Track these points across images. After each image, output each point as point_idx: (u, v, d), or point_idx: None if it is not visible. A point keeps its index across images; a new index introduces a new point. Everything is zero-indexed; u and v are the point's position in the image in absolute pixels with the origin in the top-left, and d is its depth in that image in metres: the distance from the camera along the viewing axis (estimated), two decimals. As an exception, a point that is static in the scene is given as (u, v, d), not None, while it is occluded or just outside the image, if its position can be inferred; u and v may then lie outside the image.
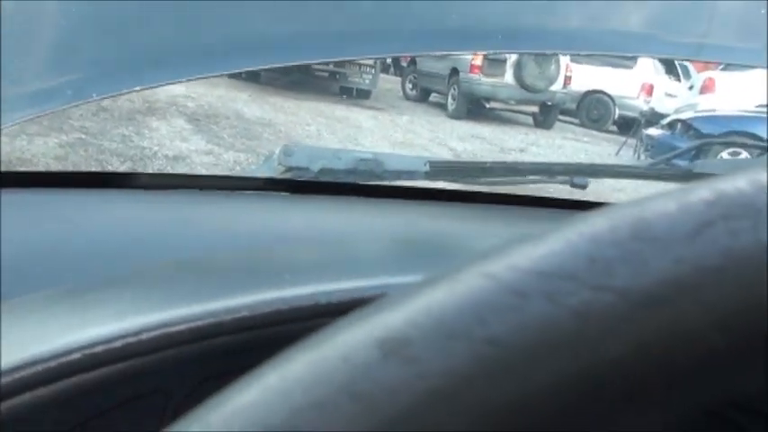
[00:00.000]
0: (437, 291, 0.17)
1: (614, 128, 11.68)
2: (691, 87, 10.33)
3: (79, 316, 0.44)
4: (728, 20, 0.98)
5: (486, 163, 0.98)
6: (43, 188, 0.77)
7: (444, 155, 7.20)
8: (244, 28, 0.85)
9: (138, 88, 0.81)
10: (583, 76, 11.02)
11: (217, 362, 0.41)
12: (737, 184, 0.17)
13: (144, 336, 0.38)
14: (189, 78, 0.86)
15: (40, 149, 4.83)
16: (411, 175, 0.94)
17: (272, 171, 0.91)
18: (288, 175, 0.90)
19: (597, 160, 8.26)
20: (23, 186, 0.74)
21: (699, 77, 9.98)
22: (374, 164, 0.93)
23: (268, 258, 0.60)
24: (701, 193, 0.17)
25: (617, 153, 8.67)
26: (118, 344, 0.38)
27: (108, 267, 0.59)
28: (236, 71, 0.85)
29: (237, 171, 5.11)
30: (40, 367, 0.36)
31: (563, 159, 8.02)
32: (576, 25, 0.99)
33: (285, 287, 0.43)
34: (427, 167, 0.93)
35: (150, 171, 5.02)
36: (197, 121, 6.86)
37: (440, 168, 0.96)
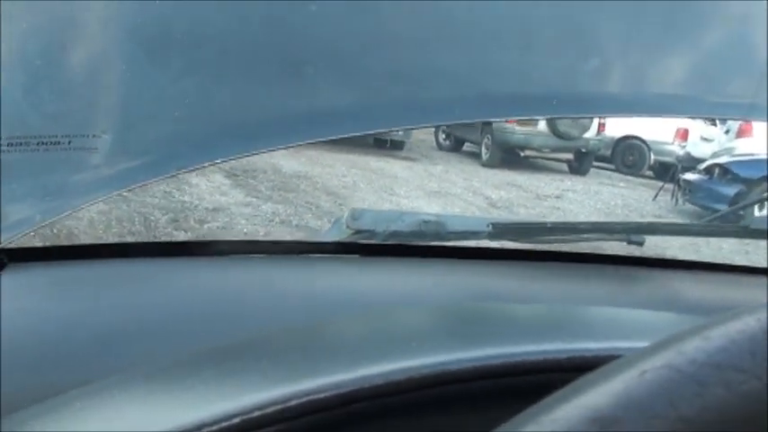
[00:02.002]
0: (630, 377, 0.21)
1: (650, 173, 11.61)
2: (727, 131, 10.27)
3: (228, 383, 0.48)
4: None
5: (546, 223, 1.01)
6: (130, 258, 0.82)
7: (479, 203, 7.23)
8: (309, 101, 0.89)
9: (208, 162, 0.85)
10: (617, 122, 11.04)
11: (358, 426, 0.44)
12: None
13: (293, 402, 0.42)
14: (260, 151, 0.90)
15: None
16: (474, 235, 0.98)
17: (341, 234, 0.95)
18: (356, 238, 0.94)
19: (634, 205, 8.22)
20: (117, 257, 0.79)
21: (735, 121, 9.92)
22: (437, 225, 0.96)
23: (375, 325, 0.63)
24: None
25: (654, 198, 8.62)
26: (270, 410, 0.41)
27: (208, 335, 0.63)
28: (302, 143, 0.89)
29: (307, 236, 5.18)
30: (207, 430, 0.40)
31: (599, 205, 8.00)
32: (626, 88, 1.02)
33: (412, 356, 0.47)
34: (489, 228, 0.97)
35: (192, 222, 5.15)
36: (235, 176, 6.99)
37: (501, 228, 0.99)
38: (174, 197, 5.82)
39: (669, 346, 0.22)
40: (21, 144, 0.61)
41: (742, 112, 1.03)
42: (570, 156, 10.62)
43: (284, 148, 0.87)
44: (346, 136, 0.93)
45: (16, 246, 0.70)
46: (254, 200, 6.15)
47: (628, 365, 0.22)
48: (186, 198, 5.87)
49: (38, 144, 0.63)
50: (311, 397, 0.43)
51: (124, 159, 0.76)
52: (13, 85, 0.64)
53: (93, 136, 0.66)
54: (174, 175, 0.82)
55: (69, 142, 0.65)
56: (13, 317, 0.64)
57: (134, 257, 0.81)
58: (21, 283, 0.69)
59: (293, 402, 0.42)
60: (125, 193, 0.80)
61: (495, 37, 0.92)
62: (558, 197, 8.32)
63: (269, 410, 0.42)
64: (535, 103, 0.98)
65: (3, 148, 0.60)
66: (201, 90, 0.83)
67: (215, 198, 6.09)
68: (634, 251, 1.07)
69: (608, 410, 0.21)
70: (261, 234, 5.20)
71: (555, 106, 0.98)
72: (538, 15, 0.93)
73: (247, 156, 0.88)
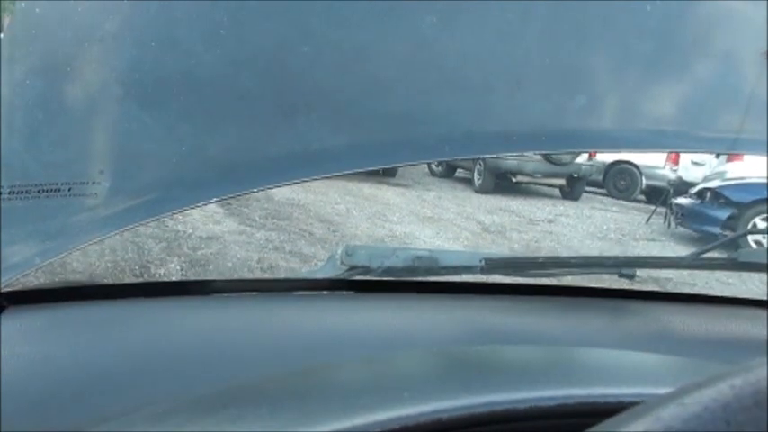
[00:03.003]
0: (673, 415, 0.22)
1: (642, 197, 11.67)
2: (718, 155, 10.34)
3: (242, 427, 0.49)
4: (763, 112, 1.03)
5: (538, 257, 1.02)
6: (127, 299, 0.82)
7: (473, 228, 7.25)
8: (302, 142, 0.91)
9: (203, 203, 0.86)
10: (608, 147, 11.09)
11: None
12: None
13: None
14: (251, 191, 0.92)
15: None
16: (467, 270, 0.99)
17: (336, 270, 0.96)
18: (350, 275, 0.95)
19: (627, 229, 8.25)
20: (114, 297, 0.80)
21: (724, 146, 9.97)
22: (431, 261, 0.98)
23: (370, 370, 0.64)
24: None
25: (647, 222, 8.66)
26: None
27: (205, 376, 0.63)
28: (297, 182, 0.90)
29: (301, 271, 5.21)
30: None
31: (592, 229, 8.02)
32: (613, 124, 1.04)
33: (407, 403, 0.48)
34: (482, 263, 0.98)
35: (185, 249, 5.15)
36: (228, 205, 7.00)
37: (494, 263, 1.01)
38: (167, 226, 5.82)
39: (647, 414, 0.23)
40: (22, 192, 0.63)
41: (726, 146, 1.05)
42: (562, 181, 10.67)
43: (275, 187, 0.88)
44: (338, 174, 0.94)
45: (14, 289, 0.71)
46: (248, 228, 6.16)
47: (667, 404, 0.23)
48: (179, 227, 5.87)
49: (38, 192, 0.64)
50: None
51: (120, 201, 0.77)
52: (13, 134, 0.65)
53: (93, 183, 0.67)
54: (170, 216, 0.84)
55: (69, 189, 0.66)
56: (13, 360, 0.65)
57: (131, 297, 0.82)
58: (20, 326, 0.70)
59: None
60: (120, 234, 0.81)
61: (484, 78, 0.94)
62: (550, 221, 8.35)
63: None
64: (524, 140, 0.99)
65: (4, 196, 0.61)
66: (196, 133, 0.84)
67: (208, 227, 6.10)
68: (626, 284, 1.09)
69: None
70: (254, 260, 5.19)
71: (544, 142, 1.00)
72: (526, 56, 0.95)
73: (240, 195, 0.89)
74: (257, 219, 6.58)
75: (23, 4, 0.67)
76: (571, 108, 1.00)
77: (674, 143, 1.08)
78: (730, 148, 1.01)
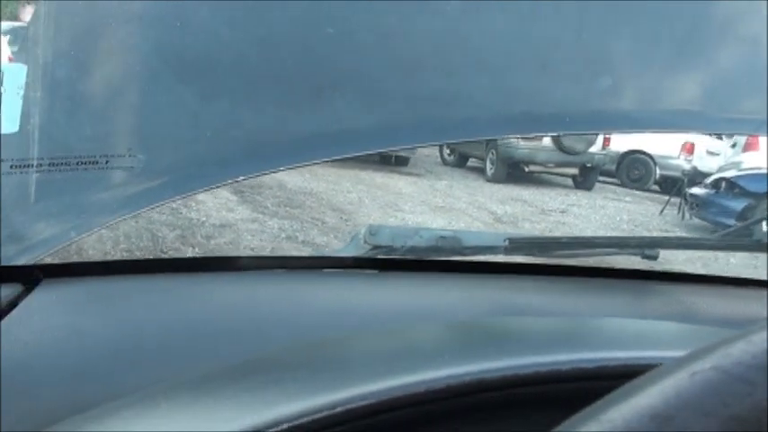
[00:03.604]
0: (680, 378, 0.23)
1: (656, 187, 11.60)
2: (734, 145, 10.27)
3: (247, 399, 0.50)
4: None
5: (562, 238, 1.03)
6: (156, 273, 0.84)
7: (484, 218, 7.24)
8: (327, 121, 0.92)
9: (231, 180, 0.87)
10: (622, 137, 11.03)
11: None
12: None
13: (317, 415, 0.44)
14: (278, 170, 0.93)
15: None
16: (490, 250, 1.00)
17: (359, 250, 0.97)
18: (374, 254, 0.96)
19: (640, 220, 8.22)
20: (144, 272, 0.81)
21: (742, 135, 9.91)
22: (454, 241, 0.98)
23: (394, 340, 0.65)
24: None
25: (661, 212, 8.62)
26: (303, 420, 0.43)
27: (229, 349, 0.64)
28: (320, 161, 0.91)
29: (327, 251, 5.24)
30: None
31: (605, 220, 8.00)
32: (636, 105, 1.05)
33: (433, 368, 0.49)
34: (506, 243, 0.99)
35: (199, 237, 5.18)
36: (241, 192, 7.02)
37: (518, 243, 1.01)
38: (181, 213, 5.85)
39: (715, 350, 0.24)
40: (62, 164, 0.64)
41: (752, 127, 1.05)
42: (575, 170, 10.62)
43: (302, 167, 0.89)
44: (360, 154, 0.95)
45: (50, 262, 0.72)
46: (261, 216, 6.18)
47: (677, 368, 0.24)
48: (193, 215, 5.90)
49: (77, 164, 0.65)
50: (332, 411, 0.45)
51: (151, 178, 0.78)
52: (47, 109, 0.66)
53: (129, 156, 0.69)
54: (196, 193, 0.85)
55: (107, 162, 0.67)
56: (47, 331, 0.66)
57: (161, 273, 0.83)
58: (54, 299, 0.71)
59: (317, 416, 0.44)
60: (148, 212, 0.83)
61: (509, 59, 0.95)
62: (563, 212, 8.33)
63: (293, 424, 0.44)
64: (549, 121, 1.00)
65: (44, 167, 0.62)
66: (223, 113, 0.85)
67: (222, 214, 6.12)
68: (646, 265, 1.09)
69: (662, 409, 0.23)
70: (267, 250, 5.22)
71: (568, 123, 1.00)
72: (550, 37, 0.95)
73: (266, 174, 0.90)
74: (270, 206, 6.60)
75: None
76: (595, 89, 1.01)
77: (697, 124, 1.09)
78: (755, 130, 1.01)
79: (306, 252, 5.12)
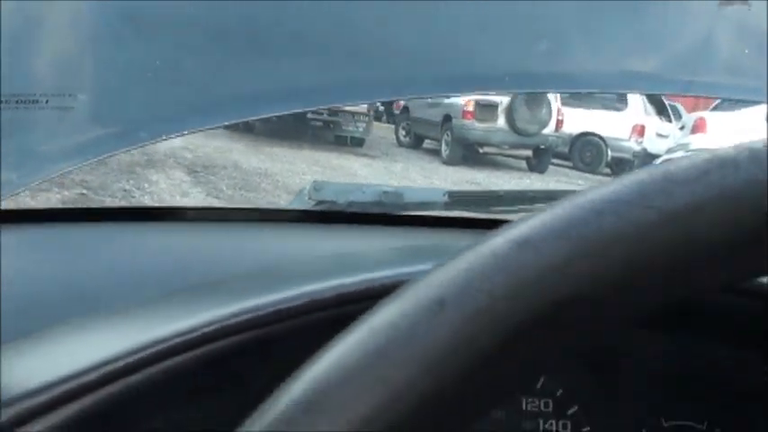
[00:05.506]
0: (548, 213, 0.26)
1: (608, 170, 11.82)
2: (682, 128, 10.48)
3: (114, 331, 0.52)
4: (720, 55, 1.06)
5: (499, 191, 1.06)
6: (100, 222, 0.84)
7: (440, 200, 7.30)
8: (240, 80, 0.93)
9: (176, 134, 0.88)
10: (574, 119, 11.21)
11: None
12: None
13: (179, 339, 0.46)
14: (221, 125, 0.94)
15: (42, 205, 4.89)
16: (431, 205, 1.02)
17: (303, 205, 0.99)
18: (318, 208, 0.98)
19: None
20: (89, 221, 0.81)
21: (690, 118, 10.12)
22: (396, 196, 1.01)
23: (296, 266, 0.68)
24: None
25: (611, 194, 8.77)
26: (149, 351, 0.45)
27: (150, 291, 0.66)
28: (234, 122, 0.92)
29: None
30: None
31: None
32: (564, 65, 1.07)
33: (308, 284, 0.52)
34: (446, 198, 1.01)
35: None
36: (195, 172, 6.95)
37: (457, 198, 1.04)
38: (134, 197, 5.77)
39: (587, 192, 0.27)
40: (2, 102, 0.64)
41: (680, 88, 1.08)
42: (529, 153, 10.76)
43: (245, 120, 0.90)
44: (303, 110, 0.97)
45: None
46: (216, 201, 6.12)
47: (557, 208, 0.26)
48: (146, 199, 5.81)
49: (17, 102, 0.65)
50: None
51: (96, 128, 0.79)
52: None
53: (70, 95, 0.69)
54: (143, 145, 0.85)
55: (47, 101, 0.67)
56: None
57: (104, 221, 0.84)
58: (3, 244, 0.71)
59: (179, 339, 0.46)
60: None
61: (448, 17, 0.97)
62: (517, 194, 8.42)
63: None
64: (487, 80, 1.02)
65: None
66: (168, 64, 0.86)
67: (176, 199, 6.05)
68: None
69: (524, 235, 0.26)
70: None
71: (507, 82, 1.03)
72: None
73: (211, 128, 0.91)
74: (225, 189, 6.55)
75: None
76: (536, 49, 1.03)
77: (628, 84, 1.12)
78: (683, 90, 1.05)
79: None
